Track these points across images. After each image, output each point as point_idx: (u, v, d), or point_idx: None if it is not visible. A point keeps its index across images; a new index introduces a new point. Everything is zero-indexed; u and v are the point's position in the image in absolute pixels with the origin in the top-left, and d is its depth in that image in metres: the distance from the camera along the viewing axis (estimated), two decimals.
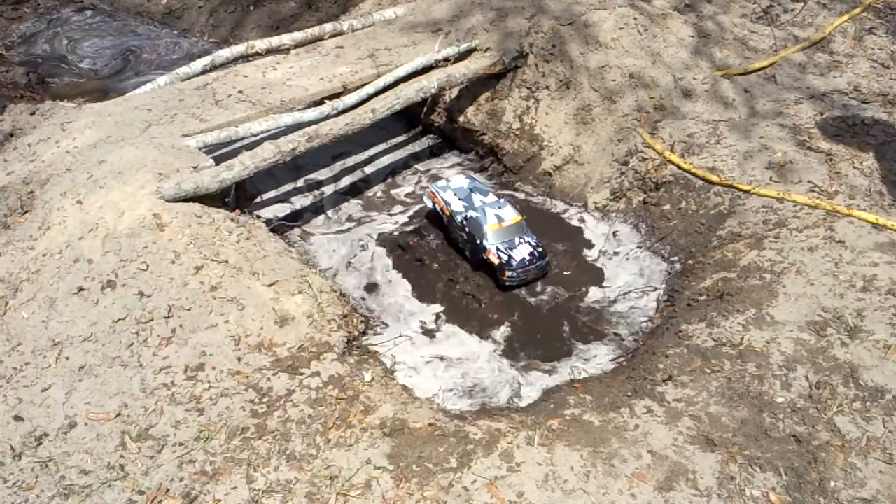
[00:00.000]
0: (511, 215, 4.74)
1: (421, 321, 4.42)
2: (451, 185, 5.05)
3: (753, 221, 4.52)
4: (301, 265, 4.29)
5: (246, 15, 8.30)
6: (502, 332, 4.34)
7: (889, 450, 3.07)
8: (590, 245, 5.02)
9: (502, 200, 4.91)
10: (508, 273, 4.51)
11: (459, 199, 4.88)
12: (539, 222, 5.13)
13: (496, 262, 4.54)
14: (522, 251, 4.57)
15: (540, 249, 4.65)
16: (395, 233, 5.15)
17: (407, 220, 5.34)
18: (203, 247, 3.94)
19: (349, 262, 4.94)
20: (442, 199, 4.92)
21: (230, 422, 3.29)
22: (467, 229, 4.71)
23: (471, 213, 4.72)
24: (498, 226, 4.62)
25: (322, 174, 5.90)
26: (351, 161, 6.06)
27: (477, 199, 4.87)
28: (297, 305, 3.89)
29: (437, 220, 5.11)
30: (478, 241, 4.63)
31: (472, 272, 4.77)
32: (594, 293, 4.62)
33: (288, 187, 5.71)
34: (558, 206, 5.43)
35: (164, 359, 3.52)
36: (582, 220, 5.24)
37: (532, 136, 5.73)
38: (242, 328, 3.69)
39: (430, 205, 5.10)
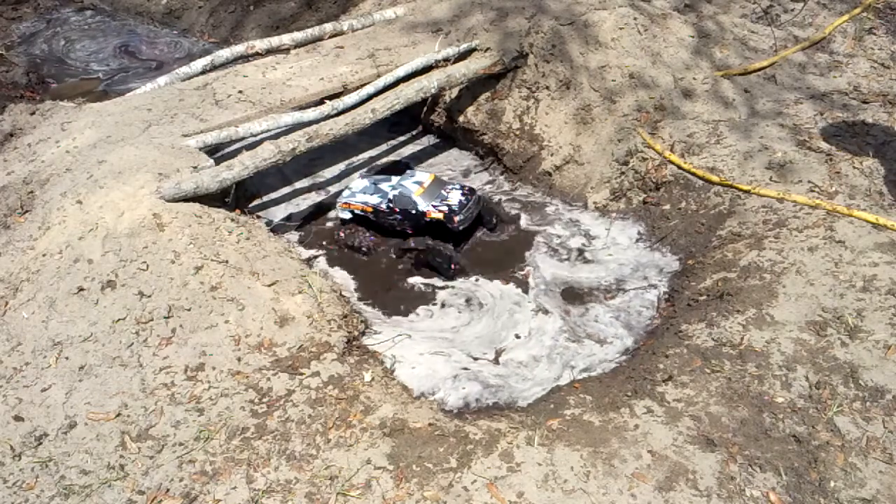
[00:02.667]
0: (425, 176, 5.06)
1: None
2: (356, 188, 5.21)
3: (753, 221, 4.52)
4: (301, 265, 4.30)
5: (246, 15, 8.30)
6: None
7: (889, 450, 3.07)
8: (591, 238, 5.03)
9: (409, 171, 5.22)
10: (457, 218, 4.73)
11: (372, 195, 5.06)
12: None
13: (441, 215, 4.75)
14: (455, 196, 4.87)
15: (468, 188, 4.97)
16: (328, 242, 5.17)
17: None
18: (203, 247, 3.94)
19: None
20: (357, 202, 5.05)
21: (230, 422, 3.29)
22: (397, 209, 4.89)
23: (392, 194, 4.93)
24: (422, 189, 4.89)
25: (322, 174, 5.91)
26: (351, 161, 6.07)
27: (385, 186, 5.10)
28: (297, 305, 3.89)
29: (362, 222, 5.17)
30: (413, 212, 4.84)
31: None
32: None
33: (288, 188, 5.71)
34: (558, 205, 5.44)
35: (164, 359, 3.52)
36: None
37: (532, 136, 5.74)
38: (242, 328, 3.69)
39: (347, 216, 5.17)
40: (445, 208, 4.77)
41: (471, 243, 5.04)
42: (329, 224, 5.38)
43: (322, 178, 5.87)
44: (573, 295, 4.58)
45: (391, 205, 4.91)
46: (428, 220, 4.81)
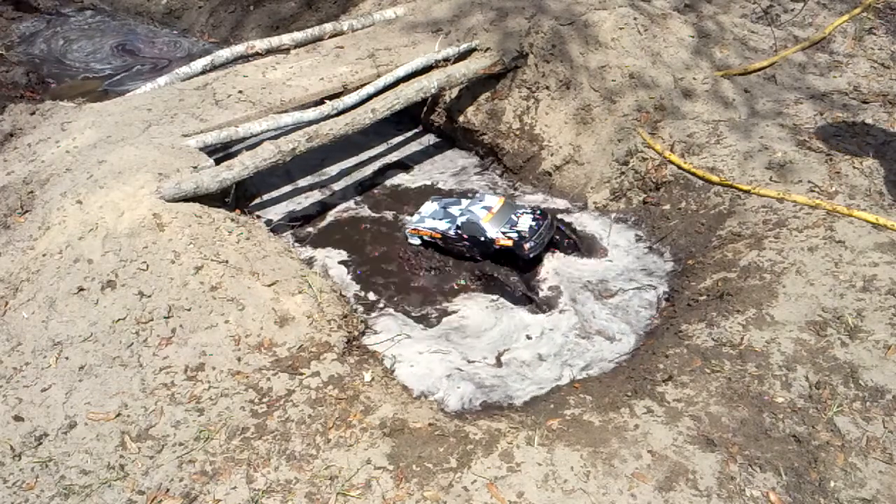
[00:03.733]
0: (495, 200, 4.84)
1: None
2: (425, 213, 5.09)
3: (753, 221, 4.52)
4: (301, 265, 4.29)
5: (246, 15, 8.30)
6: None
7: (889, 450, 3.07)
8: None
9: (478, 195, 5.00)
10: (528, 245, 4.52)
11: (441, 220, 4.91)
12: None
13: (510, 243, 4.56)
14: (526, 221, 4.65)
15: (539, 212, 4.74)
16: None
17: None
18: (203, 247, 3.94)
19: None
20: (425, 228, 4.92)
21: (230, 422, 3.29)
22: (465, 235, 4.72)
23: (460, 220, 4.74)
24: (490, 215, 4.70)
25: (322, 174, 5.91)
26: (351, 161, 6.07)
27: (455, 210, 4.94)
28: (297, 305, 3.89)
29: (433, 247, 5.02)
30: (481, 238, 4.66)
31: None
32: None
33: (288, 187, 5.71)
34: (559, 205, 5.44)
35: (164, 359, 3.52)
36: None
37: (532, 136, 5.73)
38: (242, 328, 3.69)
39: (416, 241, 5.05)
40: (515, 235, 4.55)
41: None
42: (329, 219, 5.35)
43: (326, 175, 5.87)
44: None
45: (459, 231, 4.72)
46: (497, 247, 4.62)
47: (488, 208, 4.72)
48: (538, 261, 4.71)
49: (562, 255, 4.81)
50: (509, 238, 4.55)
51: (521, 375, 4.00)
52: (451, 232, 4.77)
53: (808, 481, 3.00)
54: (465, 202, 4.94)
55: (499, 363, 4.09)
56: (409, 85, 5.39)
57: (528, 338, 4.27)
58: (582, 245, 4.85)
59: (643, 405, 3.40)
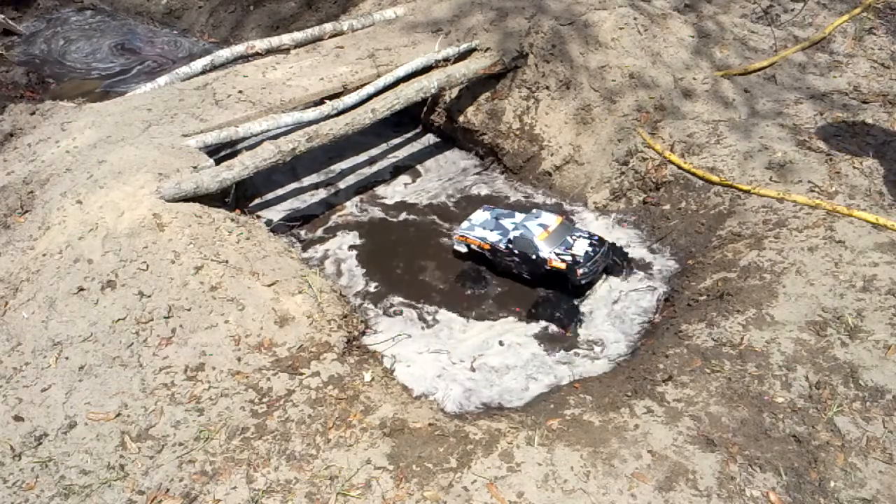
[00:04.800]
0: (552, 219, 4.57)
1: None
2: (475, 221, 4.85)
3: (753, 221, 4.52)
4: (301, 265, 4.29)
5: (246, 15, 8.30)
6: None
7: (889, 450, 3.07)
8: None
9: (535, 211, 4.73)
10: (581, 271, 4.31)
11: (492, 230, 4.67)
12: None
13: (563, 266, 4.34)
14: (582, 246, 4.42)
15: (596, 238, 4.51)
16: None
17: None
18: (203, 247, 3.94)
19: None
20: (475, 237, 4.70)
21: (230, 422, 3.28)
22: (516, 251, 4.50)
23: (513, 234, 4.51)
24: (546, 234, 4.45)
25: (322, 174, 5.91)
26: (351, 161, 6.07)
27: (507, 222, 4.69)
28: (297, 305, 3.89)
29: (477, 259, 4.85)
30: (533, 257, 4.43)
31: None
32: None
33: (288, 187, 5.71)
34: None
35: (164, 359, 3.51)
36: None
37: (532, 136, 5.73)
38: (242, 328, 3.69)
39: (463, 249, 4.85)
40: (569, 258, 4.34)
41: None
42: (335, 217, 5.34)
43: (325, 175, 5.87)
44: None
45: (510, 245, 4.52)
46: (549, 268, 4.41)
47: (545, 226, 4.49)
48: (589, 287, 4.51)
49: (616, 279, 4.60)
50: (563, 261, 4.34)
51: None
52: (502, 245, 4.56)
53: (808, 481, 3.00)
54: (519, 216, 4.73)
55: None
56: (409, 85, 5.39)
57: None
58: (631, 270, 4.64)
59: (643, 405, 3.40)
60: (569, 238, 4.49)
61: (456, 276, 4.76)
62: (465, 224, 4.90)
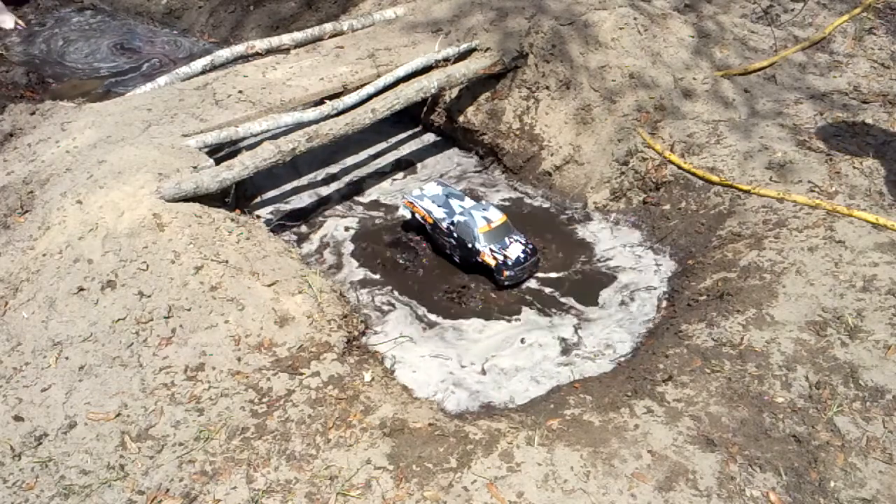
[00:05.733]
0: (497, 216, 4.73)
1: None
2: (427, 193, 5.02)
3: (753, 221, 4.52)
4: (301, 265, 4.29)
5: (246, 15, 8.29)
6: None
7: (889, 450, 3.07)
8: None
9: (484, 203, 4.90)
10: (507, 273, 4.51)
11: (439, 207, 4.85)
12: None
13: (493, 263, 4.53)
14: (515, 250, 4.57)
15: (531, 246, 4.67)
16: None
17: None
18: (203, 247, 3.94)
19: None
20: (421, 207, 4.88)
21: (230, 422, 3.29)
22: (455, 234, 4.68)
23: (458, 218, 4.68)
24: (488, 227, 4.60)
25: (322, 174, 5.91)
26: (351, 161, 6.07)
27: (456, 204, 4.86)
28: (297, 305, 3.89)
29: (416, 229, 5.09)
30: (469, 245, 4.61)
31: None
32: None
33: (288, 187, 5.71)
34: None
35: (164, 359, 3.52)
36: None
37: (532, 136, 5.74)
38: (242, 328, 3.69)
39: (408, 215, 5.08)
40: (501, 258, 4.51)
41: None
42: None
43: (325, 175, 5.87)
44: None
45: (452, 227, 4.68)
46: (479, 260, 4.58)
47: (488, 221, 4.64)
48: (513, 287, 4.69)
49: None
50: (494, 258, 4.52)
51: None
52: (444, 224, 4.74)
53: (808, 481, 3.00)
54: (469, 202, 4.88)
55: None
56: (409, 85, 5.39)
57: None
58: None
59: (643, 405, 3.40)
60: (507, 239, 4.65)
61: (389, 243, 5.04)
62: (416, 192, 5.08)
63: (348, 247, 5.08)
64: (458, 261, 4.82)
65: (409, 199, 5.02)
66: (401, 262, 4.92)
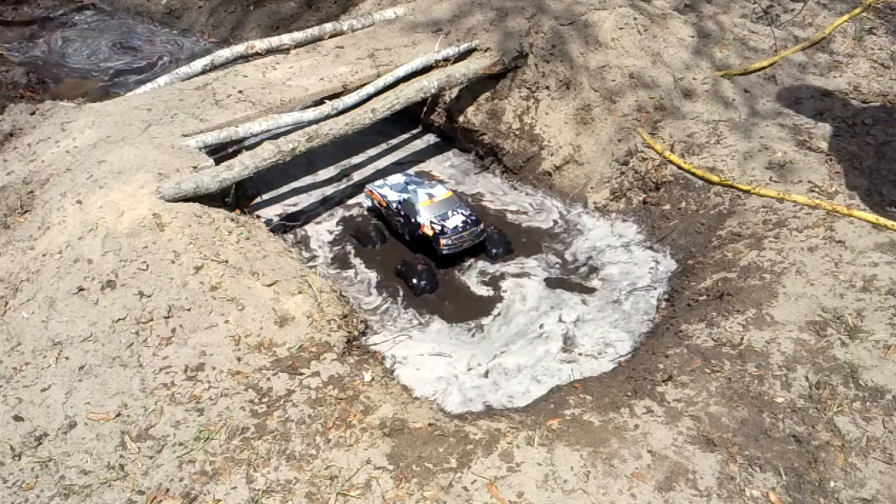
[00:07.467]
0: (442, 192, 4.97)
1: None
2: (389, 182, 5.24)
3: (753, 221, 4.52)
4: (301, 265, 4.29)
5: (246, 15, 8.30)
6: None
7: (889, 450, 3.07)
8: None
9: (435, 183, 5.16)
10: (444, 241, 4.68)
11: (399, 192, 5.07)
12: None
13: (430, 233, 4.72)
14: (455, 220, 4.78)
15: (473, 217, 4.85)
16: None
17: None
18: (203, 247, 3.94)
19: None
20: (379, 194, 5.12)
21: (230, 422, 3.29)
22: (402, 212, 4.90)
23: (403, 196, 4.94)
24: (429, 201, 4.83)
25: (321, 174, 5.91)
26: (351, 161, 6.07)
27: (411, 187, 5.08)
28: (297, 305, 3.89)
29: (377, 216, 5.30)
30: (412, 220, 4.83)
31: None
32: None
33: (288, 187, 5.71)
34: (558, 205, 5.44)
35: (163, 359, 3.52)
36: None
37: (532, 136, 5.74)
38: (242, 328, 3.69)
39: (368, 203, 5.31)
40: (439, 227, 4.71)
41: None
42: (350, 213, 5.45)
43: (325, 175, 5.87)
44: None
45: (398, 206, 4.94)
46: (420, 233, 4.80)
47: (430, 196, 4.91)
48: (456, 260, 4.88)
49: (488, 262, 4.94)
50: (433, 229, 4.73)
51: None
52: (395, 205, 4.98)
53: (808, 481, 3.00)
54: (428, 185, 5.12)
55: None
56: (409, 85, 5.39)
57: None
58: (501, 257, 4.95)
59: (643, 405, 3.40)
60: (449, 212, 4.85)
61: (353, 232, 5.21)
62: (378, 181, 5.31)
63: (348, 247, 5.09)
64: (408, 239, 5.02)
65: (369, 188, 5.26)
66: (364, 246, 5.10)
